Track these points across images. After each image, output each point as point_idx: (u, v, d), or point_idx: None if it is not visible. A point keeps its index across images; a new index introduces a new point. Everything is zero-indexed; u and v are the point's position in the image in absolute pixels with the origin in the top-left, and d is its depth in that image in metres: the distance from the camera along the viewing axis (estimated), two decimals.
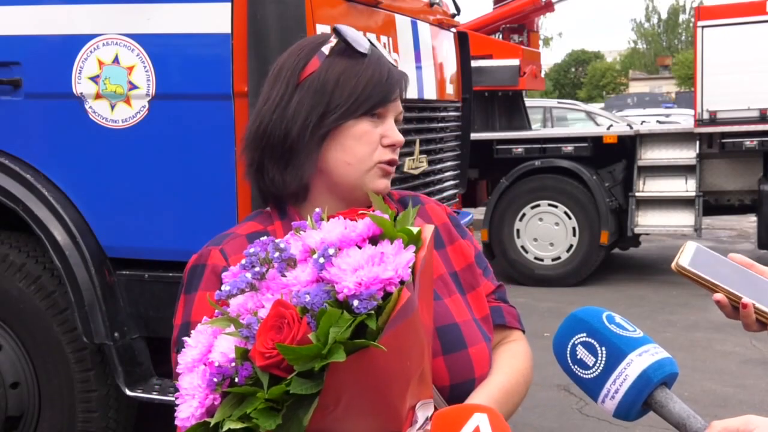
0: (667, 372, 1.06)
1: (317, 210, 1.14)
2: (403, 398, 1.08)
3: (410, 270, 1.03)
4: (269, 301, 1.04)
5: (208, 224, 3.05)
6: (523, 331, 1.49)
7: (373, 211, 1.11)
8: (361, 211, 1.13)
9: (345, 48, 1.31)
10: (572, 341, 1.11)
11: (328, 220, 1.11)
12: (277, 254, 1.06)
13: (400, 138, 1.34)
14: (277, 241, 1.08)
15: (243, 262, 1.08)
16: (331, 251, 1.03)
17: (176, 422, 1.03)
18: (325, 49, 1.32)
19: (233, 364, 1.00)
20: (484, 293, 1.43)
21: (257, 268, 1.07)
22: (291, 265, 1.07)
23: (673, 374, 1.07)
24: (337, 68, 1.30)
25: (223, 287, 1.07)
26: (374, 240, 1.07)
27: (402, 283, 1.01)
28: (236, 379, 1.00)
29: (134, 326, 3.26)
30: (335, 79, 1.30)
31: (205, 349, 1.04)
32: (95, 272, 3.20)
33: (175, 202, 3.16)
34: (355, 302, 0.98)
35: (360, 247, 1.05)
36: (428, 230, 1.11)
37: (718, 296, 1.23)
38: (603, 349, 1.08)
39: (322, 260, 1.02)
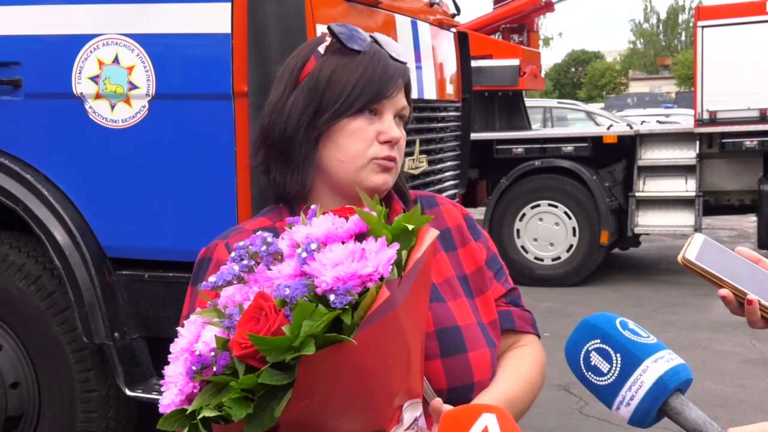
0: (682, 378, 1.05)
1: (313, 207, 1.14)
2: (388, 396, 1.07)
3: (392, 267, 1.03)
4: (255, 294, 1.05)
5: (208, 224, 3.05)
6: (539, 336, 1.46)
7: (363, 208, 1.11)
8: (351, 208, 1.14)
9: (339, 46, 1.30)
10: (586, 347, 1.10)
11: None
12: (264, 248, 1.08)
13: (397, 134, 1.31)
14: (265, 235, 1.09)
15: (232, 255, 1.09)
16: (313, 246, 1.03)
17: (159, 409, 1.04)
18: (321, 48, 1.32)
19: (213, 353, 1.02)
20: (494, 297, 1.41)
21: (245, 261, 1.08)
22: (278, 259, 1.08)
23: (688, 380, 1.06)
24: (330, 67, 1.29)
25: (210, 278, 1.09)
26: (362, 237, 1.07)
27: (381, 279, 1.01)
28: (215, 369, 1.01)
29: (134, 326, 3.26)
30: (327, 78, 1.29)
31: (193, 339, 1.06)
32: (95, 272, 3.20)
33: (175, 203, 3.15)
34: (332, 297, 0.98)
35: (345, 244, 1.05)
36: (430, 234, 1.10)
37: (724, 291, 1.21)
38: (618, 355, 1.07)
39: (304, 255, 1.03)
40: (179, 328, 1.09)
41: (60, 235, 3.19)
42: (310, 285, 1.01)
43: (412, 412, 1.11)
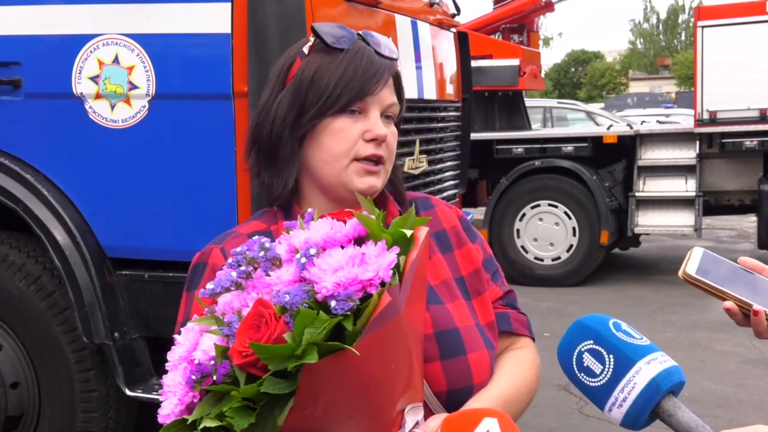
0: (675, 380, 1.05)
1: (309, 210, 1.12)
2: (391, 402, 1.07)
3: (392, 272, 1.01)
4: (254, 301, 1.03)
5: (208, 224, 3.05)
6: (533, 339, 1.47)
7: (361, 211, 1.10)
8: (349, 211, 1.12)
9: (323, 45, 1.30)
10: (579, 348, 1.09)
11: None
12: (262, 254, 1.06)
13: (382, 131, 1.29)
14: (262, 240, 1.07)
15: (230, 260, 1.07)
16: (312, 251, 1.01)
17: (158, 419, 1.03)
18: (305, 48, 1.32)
19: (212, 362, 1.00)
20: (491, 299, 1.41)
21: (243, 267, 1.06)
22: (277, 264, 1.06)
23: (680, 383, 1.06)
24: (313, 66, 1.29)
25: (207, 285, 1.07)
26: (361, 241, 1.05)
27: (383, 285, 1.00)
28: (215, 377, 0.99)
29: (134, 326, 3.26)
30: (310, 77, 1.28)
31: (191, 347, 1.05)
32: (95, 272, 3.20)
33: (175, 202, 3.15)
34: (333, 303, 0.96)
35: (344, 248, 1.03)
36: (422, 232, 1.08)
37: (728, 304, 1.21)
38: (611, 356, 1.06)
39: (303, 260, 1.01)
40: (176, 336, 1.08)
41: (60, 235, 3.19)
42: (310, 291, 0.99)
43: (413, 416, 1.11)
